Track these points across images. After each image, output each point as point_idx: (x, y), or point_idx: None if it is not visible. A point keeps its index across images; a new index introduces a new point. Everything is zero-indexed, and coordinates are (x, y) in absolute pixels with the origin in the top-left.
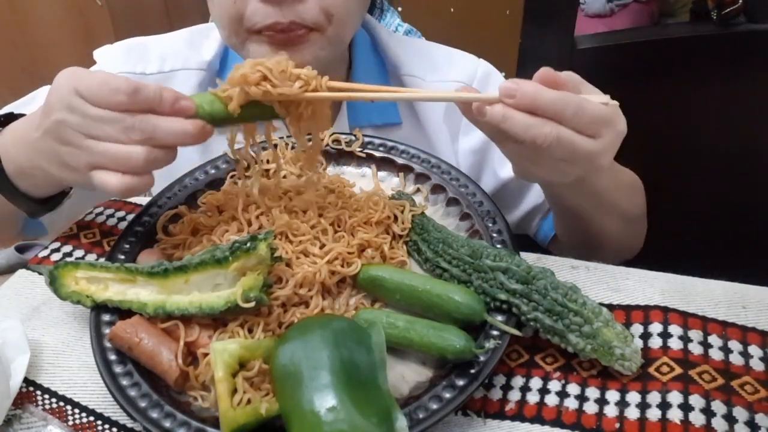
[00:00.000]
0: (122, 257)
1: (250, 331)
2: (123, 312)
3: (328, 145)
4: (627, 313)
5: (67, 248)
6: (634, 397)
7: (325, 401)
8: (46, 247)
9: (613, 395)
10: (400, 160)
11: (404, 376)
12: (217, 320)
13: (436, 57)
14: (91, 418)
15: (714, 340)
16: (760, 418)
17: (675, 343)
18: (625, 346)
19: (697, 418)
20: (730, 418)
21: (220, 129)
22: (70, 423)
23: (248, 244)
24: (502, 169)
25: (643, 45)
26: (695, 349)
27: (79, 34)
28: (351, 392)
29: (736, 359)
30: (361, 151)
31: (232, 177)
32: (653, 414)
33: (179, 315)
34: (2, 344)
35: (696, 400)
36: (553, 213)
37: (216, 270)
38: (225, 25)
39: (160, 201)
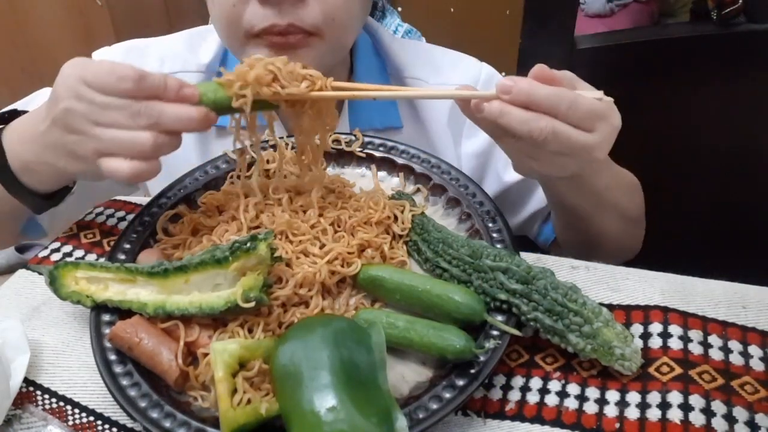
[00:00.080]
0: (122, 257)
1: (250, 331)
2: (123, 312)
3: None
4: (627, 313)
5: (67, 248)
6: (634, 397)
7: (325, 401)
8: (46, 247)
9: (613, 395)
10: (400, 160)
11: (404, 376)
12: (217, 320)
13: (439, 60)
14: (91, 418)
15: (714, 340)
16: (760, 418)
17: (675, 343)
18: (625, 346)
19: (697, 418)
20: (730, 418)
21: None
22: (70, 423)
23: (248, 244)
24: (505, 172)
25: (643, 45)
26: (695, 349)
27: (79, 34)
28: (351, 392)
29: (736, 359)
30: (361, 151)
31: (232, 177)
32: (653, 414)
33: (179, 315)
34: (2, 344)
35: (696, 400)
36: (552, 213)
37: (216, 270)
38: (224, 28)
39: (160, 201)
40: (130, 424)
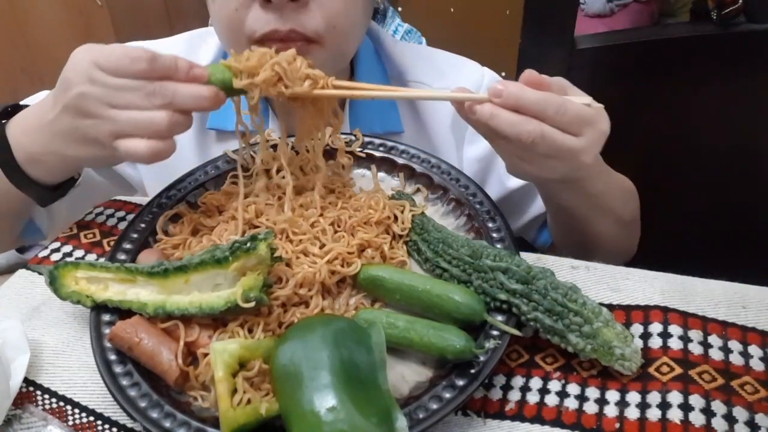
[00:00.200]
0: (122, 257)
1: (250, 331)
2: (123, 312)
3: (328, 145)
4: (627, 313)
5: (67, 248)
6: (634, 397)
7: (325, 401)
8: (46, 247)
9: (613, 395)
10: (400, 160)
11: (404, 376)
12: (217, 320)
13: (441, 64)
14: (91, 418)
15: (714, 340)
16: (760, 418)
17: (675, 343)
18: (625, 346)
19: (697, 418)
20: (730, 418)
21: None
22: (70, 423)
23: (248, 244)
24: (508, 178)
25: (643, 45)
26: (695, 349)
27: (79, 34)
28: (351, 392)
29: (736, 359)
30: (361, 151)
31: (232, 177)
32: (653, 414)
33: (179, 315)
34: (2, 344)
35: (696, 400)
36: (549, 216)
37: (216, 270)
38: (225, 33)
39: (160, 201)
40: (130, 424)
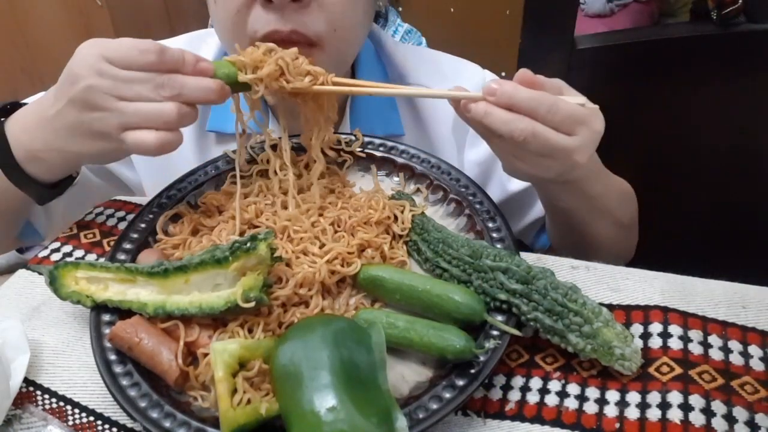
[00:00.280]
0: (122, 257)
1: (250, 331)
2: (123, 312)
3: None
4: (627, 313)
5: (67, 248)
6: (634, 397)
7: (325, 401)
8: (46, 247)
9: (613, 395)
10: (400, 160)
11: (404, 376)
12: (217, 320)
13: (442, 66)
14: (91, 418)
15: (714, 340)
16: (760, 418)
17: (675, 343)
18: (625, 346)
19: (697, 418)
20: (730, 418)
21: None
22: (70, 423)
23: (248, 244)
24: (509, 181)
25: (643, 45)
26: (695, 349)
27: (79, 34)
28: (351, 392)
29: (736, 359)
30: (361, 151)
31: (231, 177)
32: (653, 414)
33: (179, 315)
34: (2, 344)
35: (696, 400)
36: (547, 218)
37: (216, 270)
38: (226, 33)
39: (160, 201)
40: (130, 424)
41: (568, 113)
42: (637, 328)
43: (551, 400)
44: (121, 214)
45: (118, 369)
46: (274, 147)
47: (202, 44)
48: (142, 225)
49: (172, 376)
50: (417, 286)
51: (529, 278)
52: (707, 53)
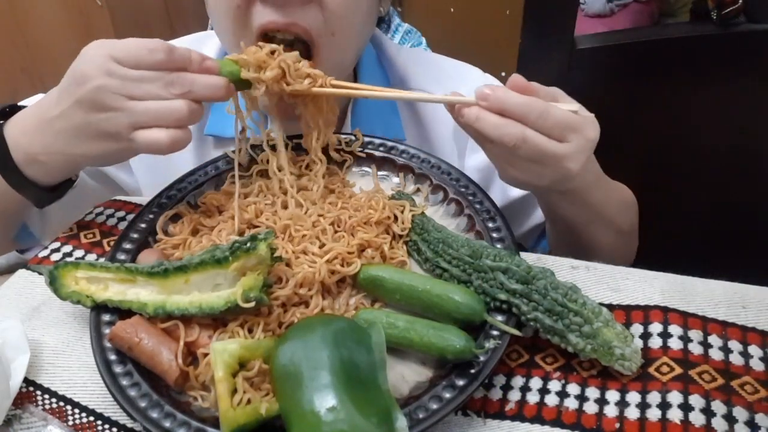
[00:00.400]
0: (122, 257)
1: (250, 331)
2: (123, 312)
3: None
4: (627, 313)
5: (67, 248)
6: (634, 397)
7: (325, 401)
8: (46, 247)
9: (613, 395)
10: (400, 160)
11: (404, 376)
12: (217, 320)
13: (444, 70)
14: (91, 418)
15: (714, 340)
16: (760, 418)
17: (675, 343)
18: (625, 346)
19: (697, 418)
20: (730, 418)
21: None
22: (70, 423)
23: (248, 244)
24: (510, 187)
25: (643, 45)
26: (695, 349)
27: (79, 34)
28: (351, 392)
29: (736, 359)
30: (361, 151)
31: (231, 177)
32: (653, 414)
33: (179, 315)
34: (2, 344)
35: (696, 400)
36: (547, 224)
37: (216, 270)
38: (226, 33)
39: (160, 201)
40: (130, 424)
41: (559, 119)
42: (637, 328)
43: (551, 400)
44: (121, 214)
45: (118, 369)
46: (273, 147)
47: (202, 46)
48: (142, 225)
49: (172, 376)
50: (417, 286)
51: (529, 278)
52: (707, 53)
